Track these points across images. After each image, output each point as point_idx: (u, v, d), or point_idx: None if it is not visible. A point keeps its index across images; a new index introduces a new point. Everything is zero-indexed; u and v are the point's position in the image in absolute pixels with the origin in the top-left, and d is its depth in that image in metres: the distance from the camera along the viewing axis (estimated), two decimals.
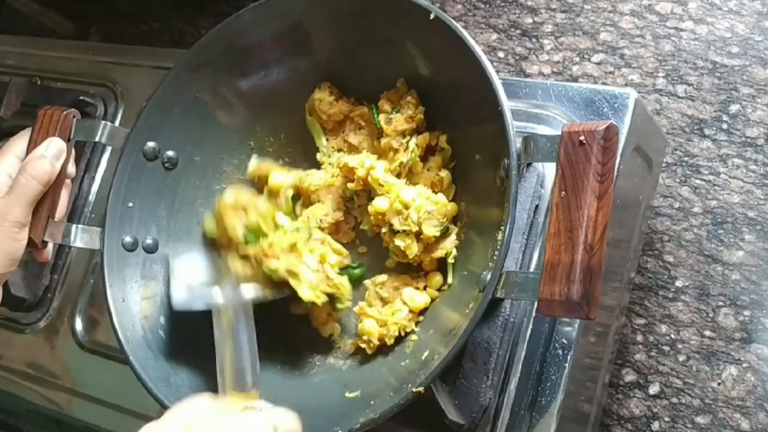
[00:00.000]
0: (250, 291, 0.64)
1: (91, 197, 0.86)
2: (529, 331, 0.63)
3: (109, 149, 0.87)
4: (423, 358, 0.59)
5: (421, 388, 0.54)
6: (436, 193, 0.66)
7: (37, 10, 1.17)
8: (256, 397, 0.55)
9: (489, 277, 0.54)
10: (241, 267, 0.66)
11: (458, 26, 0.60)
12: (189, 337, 0.68)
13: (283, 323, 0.71)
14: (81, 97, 0.89)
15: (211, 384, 0.65)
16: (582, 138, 0.51)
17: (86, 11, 1.21)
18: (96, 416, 0.79)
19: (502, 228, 0.55)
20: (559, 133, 0.53)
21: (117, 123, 0.89)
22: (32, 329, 0.85)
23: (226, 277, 0.65)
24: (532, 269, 0.63)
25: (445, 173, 0.66)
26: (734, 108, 0.82)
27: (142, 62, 0.91)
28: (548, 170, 0.66)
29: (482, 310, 0.53)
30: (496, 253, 0.55)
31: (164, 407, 0.60)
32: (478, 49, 0.59)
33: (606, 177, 0.50)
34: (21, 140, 0.68)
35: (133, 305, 0.66)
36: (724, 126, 0.81)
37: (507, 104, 0.57)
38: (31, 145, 0.67)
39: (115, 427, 0.78)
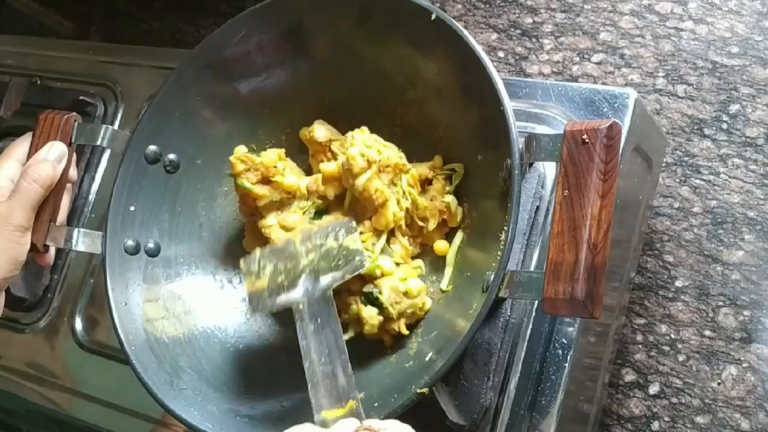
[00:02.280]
0: (329, 278, 0.60)
1: (91, 197, 0.86)
2: (529, 331, 0.63)
3: (109, 149, 0.87)
4: (427, 359, 0.59)
5: (425, 389, 0.54)
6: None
7: (37, 10, 1.17)
8: (354, 405, 0.53)
9: (492, 277, 0.54)
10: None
11: (459, 27, 0.60)
12: (192, 341, 0.68)
13: (286, 323, 0.71)
14: (81, 97, 0.89)
15: (213, 386, 0.65)
16: (585, 136, 0.51)
17: (86, 11, 1.21)
18: (96, 416, 0.79)
19: (505, 228, 0.55)
20: (562, 132, 0.53)
21: (117, 123, 0.89)
22: (32, 329, 0.85)
23: (298, 270, 0.61)
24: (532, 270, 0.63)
25: (450, 198, 0.66)
26: (734, 108, 0.82)
27: (142, 62, 0.91)
28: (549, 171, 0.66)
29: (486, 310, 0.53)
30: (499, 253, 0.55)
31: (168, 411, 0.60)
32: (480, 50, 0.59)
33: (609, 175, 0.51)
34: (22, 144, 0.68)
35: (136, 309, 0.66)
36: (724, 126, 0.81)
37: (509, 104, 0.57)
38: (33, 149, 0.67)
39: (115, 427, 0.78)
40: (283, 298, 0.60)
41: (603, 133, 0.51)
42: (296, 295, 0.60)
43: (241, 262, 0.65)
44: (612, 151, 0.51)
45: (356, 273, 0.61)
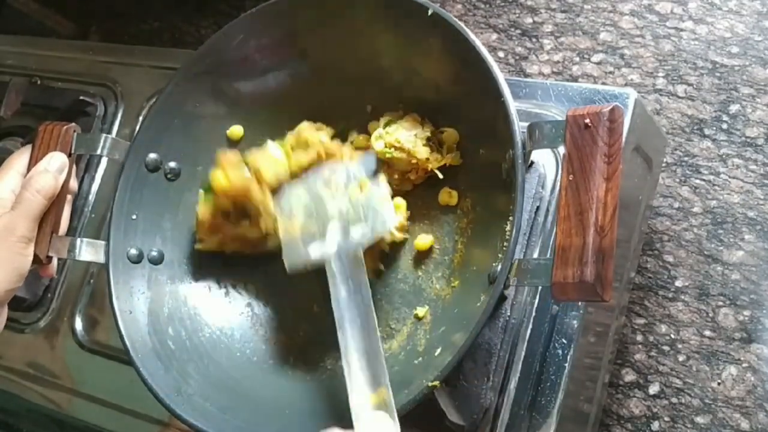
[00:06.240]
0: (358, 232, 0.60)
1: (91, 197, 0.86)
2: (529, 332, 0.63)
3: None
4: (436, 354, 0.59)
5: (436, 382, 0.54)
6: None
7: (37, 10, 1.17)
8: (386, 394, 0.51)
9: (500, 267, 0.54)
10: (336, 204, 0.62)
11: (456, 20, 0.60)
12: (198, 347, 0.68)
13: (292, 326, 0.71)
14: (81, 97, 0.89)
15: (222, 392, 0.65)
16: (587, 120, 0.51)
17: (86, 11, 1.21)
18: (96, 416, 0.79)
19: (510, 218, 0.55)
20: (564, 118, 0.53)
21: (117, 123, 0.89)
22: (32, 329, 0.85)
23: (327, 216, 0.61)
24: None
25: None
26: (734, 108, 0.82)
27: (142, 62, 0.91)
28: (549, 171, 0.66)
29: (495, 301, 0.53)
30: (506, 243, 0.55)
31: (177, 417, 0.60)
32: (478, 42, 0.59)
33: (613, 158, 0.51)
34: (22, 156, 0.68)
35: (141, 317, 0.66)
36: (724, 126, 0.81)
37: (509, 94, 0.57)
38: (33, 161, 0.67)
39: (115, 427, 0.78)
40: (317, 250, 0.60)
41: (606, 117, 0.51)
42: (329, 248, 0.60)
43: (275, 202, 0.65)
44: (615, 133, 0.51)
45: (385, 231, 0.61)
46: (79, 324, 0.82)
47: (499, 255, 0.56)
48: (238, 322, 0.71)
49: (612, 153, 0.51)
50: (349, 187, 0.62)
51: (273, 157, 0.68)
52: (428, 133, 0.67)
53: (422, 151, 0.66)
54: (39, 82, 0.95)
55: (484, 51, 0.59)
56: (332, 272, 0.59)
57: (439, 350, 0.59)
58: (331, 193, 0.62)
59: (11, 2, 1.15)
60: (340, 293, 0.57)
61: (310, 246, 0.61)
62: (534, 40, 0.92)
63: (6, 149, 0.91)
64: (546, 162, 0.66)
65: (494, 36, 0.94)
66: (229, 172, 0.68)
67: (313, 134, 0.69)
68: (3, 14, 1.16)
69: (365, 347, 0.54)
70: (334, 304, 0.57)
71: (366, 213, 0.61)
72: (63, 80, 0.94)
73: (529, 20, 0.93)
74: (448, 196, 0.67)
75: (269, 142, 0.70)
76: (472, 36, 0.59)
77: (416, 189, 0.70)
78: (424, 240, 0.67)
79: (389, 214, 0.61)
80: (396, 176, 0.68)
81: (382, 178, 0.65)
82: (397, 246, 0.68)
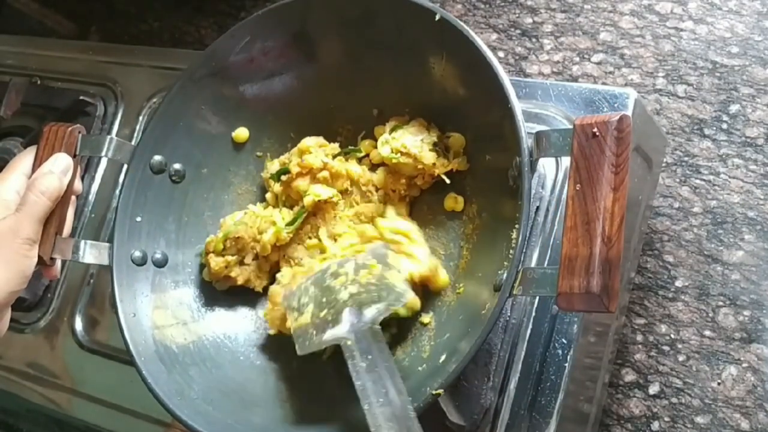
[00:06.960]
0: (373, 311, 0.58)
1: (91, 197, 0.86)
2: (529, 332, 0.63)
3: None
4: (440, 361, 0.58)
5: (440, 390, 0.54)
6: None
7: (37, 10, 1.18)
8: None
9: (505, 275, 0.54)
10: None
11: (465, 26, 0.60)
12: (202, 350, 0.68)
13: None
14: (81, 97, 0.89)
15: (225, 395, 0.64)
16: (595, 130, 0.51)
17: (86, 11, 1.21)
18: (96, 416, 0.79)
19: (517, 226, 0.55)
20: (571, 127, 0.53)
21: (117, 123, 0.89)
22: (32, 329, 0.85)
23: (340, 304, 0.60)
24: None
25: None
26: (734, 108, 0.82)
27: (142, 62, 0.91)
28: (549, 171, 0.66)
29: (500, 309, 0.53)
30: (512, 251, 0.55)
31: (179, 421, 0.60)
32: (485, 47, 0.59)
33: (621, 168, 0.51)
34: (26, 157, 0.68)
35: (145, 319, 0.66)
36: (724, 126, 0.81)
37: (517, 102, 0.57)
38: (38, 162, 0.67)
39: (115, 427, 0.78)
40: (330, 334, 0.59)
41: (614, 126, 0.51)
42: (342, 330, 0.58)
43: (283, 299, 0.64)
44: (623, 143, 0.51)
45: (399, 306, 0.59)
46: (79, 324, 0.82)
47: (505, 263, 0.56)
48: (242, 325, 0.71)
49: (620, 163, 0.50)
50: (359, 274, 0.60)
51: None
52: (435, 138, 0.66)
53: (429, 156, 0.65)
54: (39, 82, 0.95)
55: (492, 56, 0.58)
56: (348, 350, 0.56)
57: (443, 357, 0.59)
58: (341, 283, 0.61)
59: (11, 2, 1.15)
60: (360, 367, 0.55)
61: (324, 333, 0.59)
62: (534, 40, 0.92)
63: (6, 149, 0.91)
64: (546, 162, 0.66)
65: (494, 36, 0.94)
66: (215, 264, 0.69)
67: (317, 156, 0.69)
68: (3, 14, 1.16)
69: (393, 412, 0.52)
70: (354, 378, 0.55)
71: (379, 293, 0.59)
72: (63, 80, 0.94)
73: (529, 20, 0.93)
74: (453, 202, 0.67)
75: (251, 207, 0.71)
76: (479, 41, 0.59)
77: (422, 194, 0.70)
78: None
79: (403, 288, 0.59)
80: (402, 181, 0.68)
81: (392, 258, 0.62)
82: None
